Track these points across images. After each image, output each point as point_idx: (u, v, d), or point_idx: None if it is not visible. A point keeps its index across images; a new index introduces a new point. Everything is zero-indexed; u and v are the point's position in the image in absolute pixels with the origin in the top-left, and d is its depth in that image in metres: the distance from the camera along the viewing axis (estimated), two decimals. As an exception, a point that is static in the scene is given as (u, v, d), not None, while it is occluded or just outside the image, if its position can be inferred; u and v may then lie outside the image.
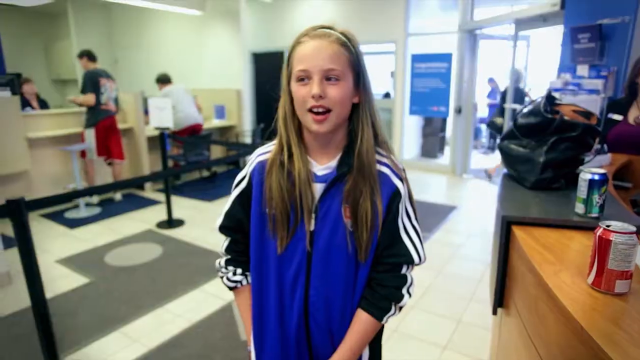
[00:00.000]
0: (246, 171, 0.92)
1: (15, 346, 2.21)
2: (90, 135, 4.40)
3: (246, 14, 6.41)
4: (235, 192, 0.94)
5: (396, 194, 0.86)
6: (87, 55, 4.49)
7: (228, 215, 0.95)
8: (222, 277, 0.98)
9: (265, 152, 0.91)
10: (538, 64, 6.46)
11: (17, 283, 2.87)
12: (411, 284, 0.90)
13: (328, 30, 0.82)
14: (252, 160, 0.92)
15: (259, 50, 7.27)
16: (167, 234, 3.81)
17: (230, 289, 0.98)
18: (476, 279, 2.92)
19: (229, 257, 0.97)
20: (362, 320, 0.88)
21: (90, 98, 4.34)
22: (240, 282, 0.97)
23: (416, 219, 0.91)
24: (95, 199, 4.70)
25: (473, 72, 5.83)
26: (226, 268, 0.97)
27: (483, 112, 7.91)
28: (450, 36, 5.86)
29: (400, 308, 0.91)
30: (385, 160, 0.88)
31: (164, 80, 5.34)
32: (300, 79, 0.80)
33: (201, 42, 6.86)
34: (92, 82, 4.35)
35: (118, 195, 4.91)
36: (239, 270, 0.96)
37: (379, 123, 0.88)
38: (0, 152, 3.83)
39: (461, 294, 2.73)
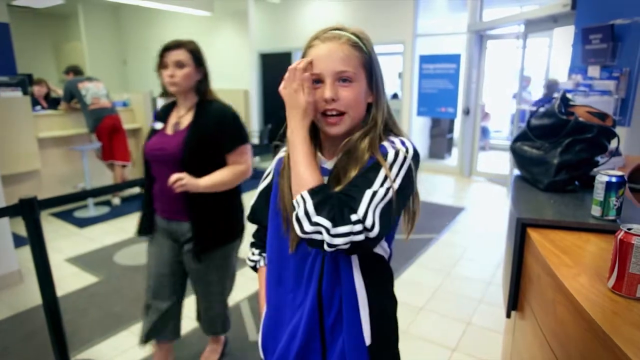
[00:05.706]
0: (271, 167, 0.98)
1: (27, 343, 2.23)
2: (94, 139, 4.36)
3: (254, 15, 6.43)
4: (260, 187, 1.01)
5: (384, 155, 0.78)
6: (73, 71, 4.59)
7: (252, 208, 1.03)
8: (248, 258, 1.07)
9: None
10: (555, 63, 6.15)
11: (28, 281, 2.89)
12: (346, 228, 0.70)
13: (338, 32, 0.82)
14: (276, 157, 0.96)
15: (267, 51, 7.29)
16: (175, 234, 3.81)
17: (252, 267, 1.07)
18: (485, 281, 2.90)
19: (253, 240, 1.07)
20: None
21: (63, 106, 4.51)
22: (258, 262, 1.05)
23: (397, 191, 0.75)
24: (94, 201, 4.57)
25: (481, 73, 5.79)
26: (250, 249, 1.07)
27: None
28: (458, 37, 5.83)
29: (315, 223, 0.71)
30: (391, 137, 0.83)
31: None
32: (313, 82, 0.81)
33: (209, 43, 6.88)
34: (67, 91, 4.39)
35: (116, 200, 4.70)
36: (257, 251, 1.05)
37: (394, 120, 0.88)
38: (12, 151, 3.87)
39: (470, 295, 2.71)
